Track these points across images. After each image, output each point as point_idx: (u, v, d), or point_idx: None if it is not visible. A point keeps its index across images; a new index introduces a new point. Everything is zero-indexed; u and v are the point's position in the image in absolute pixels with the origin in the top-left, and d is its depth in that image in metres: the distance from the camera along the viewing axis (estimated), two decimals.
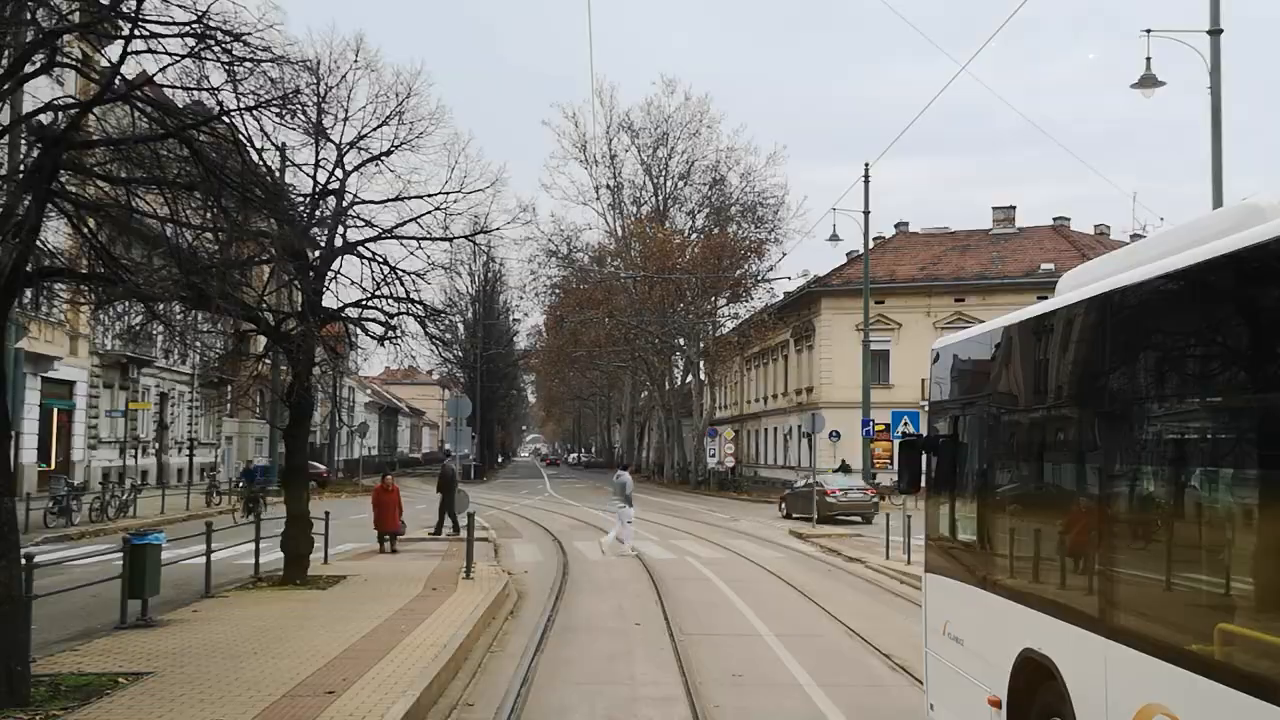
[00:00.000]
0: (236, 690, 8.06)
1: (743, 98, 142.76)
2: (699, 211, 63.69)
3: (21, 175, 7.12)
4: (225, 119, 7.87)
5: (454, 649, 10.00)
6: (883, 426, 46.09)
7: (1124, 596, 4.76)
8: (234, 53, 6.85)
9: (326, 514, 17.18)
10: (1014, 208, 52.79)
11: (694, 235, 60.52)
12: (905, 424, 25.94)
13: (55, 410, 34.85)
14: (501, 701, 8.70)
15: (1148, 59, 23.96)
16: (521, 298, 74.92)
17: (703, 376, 60.59)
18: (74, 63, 7.25)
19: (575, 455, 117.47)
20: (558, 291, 65.61)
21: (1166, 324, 4.69)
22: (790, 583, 16.66)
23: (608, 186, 64.15)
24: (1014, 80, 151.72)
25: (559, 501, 43.57)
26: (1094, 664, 4.90)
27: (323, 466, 47.60)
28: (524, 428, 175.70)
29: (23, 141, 8.84)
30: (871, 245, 51.75)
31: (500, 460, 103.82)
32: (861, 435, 39.04)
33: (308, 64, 11.03)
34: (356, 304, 14.65)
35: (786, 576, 17.44)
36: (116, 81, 7.46)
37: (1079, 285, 5.64)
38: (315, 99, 13.07)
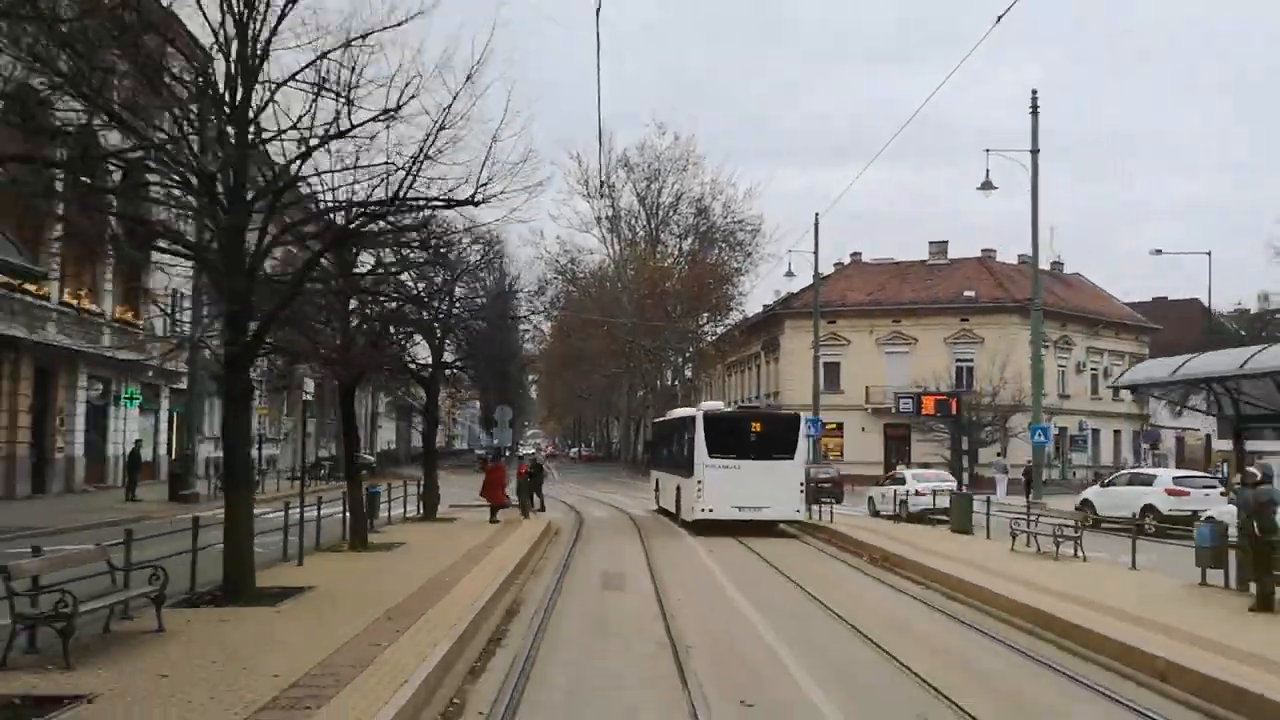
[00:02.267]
0: (390, 585, 17.26)
1: (726, 101, 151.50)
2: (686, 238, 73.61)
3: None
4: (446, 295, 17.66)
5: (526, 550, 19.68)
6: (834, 425, 56.08)
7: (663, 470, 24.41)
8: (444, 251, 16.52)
9: (419, 482, 26.83)
10: (946, 242, 62.66)
11: (681, 261, 70.40)
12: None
13: (175, 414, 44.66)
14: (558, 564, 18.51)
15: (987, 170, 34.36)
16: (531, 311, 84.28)
17: (688, 377, 70.53)
18: (337, 264, 17.08)
19: (576, 450, 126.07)
20: (561, 303, 75.47)
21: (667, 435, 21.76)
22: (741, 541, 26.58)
23: (606, 217, 73.98)
24: (1003, 86, 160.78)
25: (568, 487, 53.40)
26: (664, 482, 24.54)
27: (371, 457, 57.55)
28: (525, 423, 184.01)
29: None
30: (830, 272, 61.70)
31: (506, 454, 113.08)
32: (811, 433, 48.57)
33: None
34: (455, 361, 24.71)
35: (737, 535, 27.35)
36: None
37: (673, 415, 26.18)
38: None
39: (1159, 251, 56.84)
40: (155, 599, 9.87)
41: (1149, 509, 24.70)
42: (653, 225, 74.70)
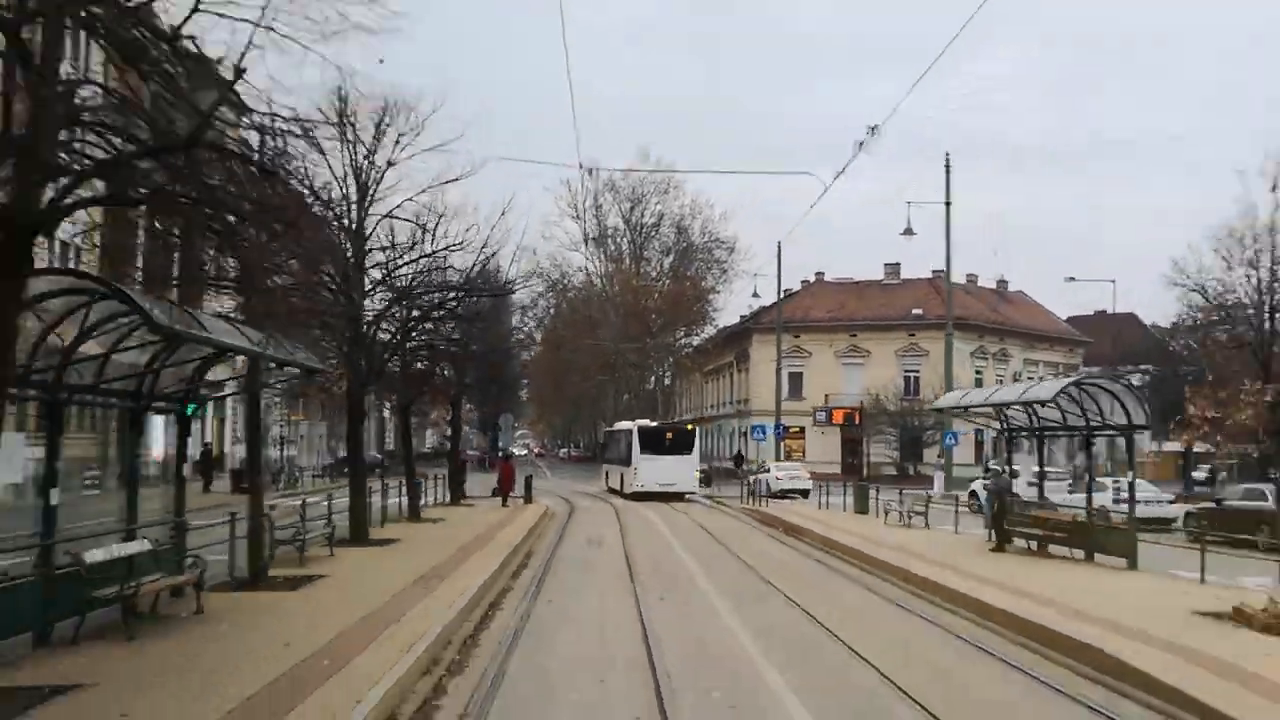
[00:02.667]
0: (450, 539, 24.69)
1: (708, 112, 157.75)
2: (668, 255, 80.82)
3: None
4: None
5: (533, 522, 26.79)
6: (797, 429, 63.26)
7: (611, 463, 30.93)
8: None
9: (425, 477, 33.95)
10: (899, 264, 70.05)
11: (663, 278, 77.66)
12: (759, 434, 43.52)
13: (216, 420, 51.62)
14: (557, 529, 25.55)
15: (908, 218, 41.87)
16: (524, 321, 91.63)
17: (667, 384, 77.72)
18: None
19: (565, 450, 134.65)
20: (552, 314, 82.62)
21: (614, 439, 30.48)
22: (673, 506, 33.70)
23: (593, 238, 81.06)
24: (967, 92, 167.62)
25: (559, 483, 60.38)
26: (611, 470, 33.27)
27: (380, 456, 64.63)
28: (514, 425, 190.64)
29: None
30: (795, 290, 68.88)
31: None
32: (774, 435, 55.57)
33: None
34: (472, 382, 31.62)
35: (679, 508, 34.44)
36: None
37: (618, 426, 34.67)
38: None
39: (1072, 279, 64.14)
40: (329, 538, 16.94)
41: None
42: (636, 244, 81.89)
